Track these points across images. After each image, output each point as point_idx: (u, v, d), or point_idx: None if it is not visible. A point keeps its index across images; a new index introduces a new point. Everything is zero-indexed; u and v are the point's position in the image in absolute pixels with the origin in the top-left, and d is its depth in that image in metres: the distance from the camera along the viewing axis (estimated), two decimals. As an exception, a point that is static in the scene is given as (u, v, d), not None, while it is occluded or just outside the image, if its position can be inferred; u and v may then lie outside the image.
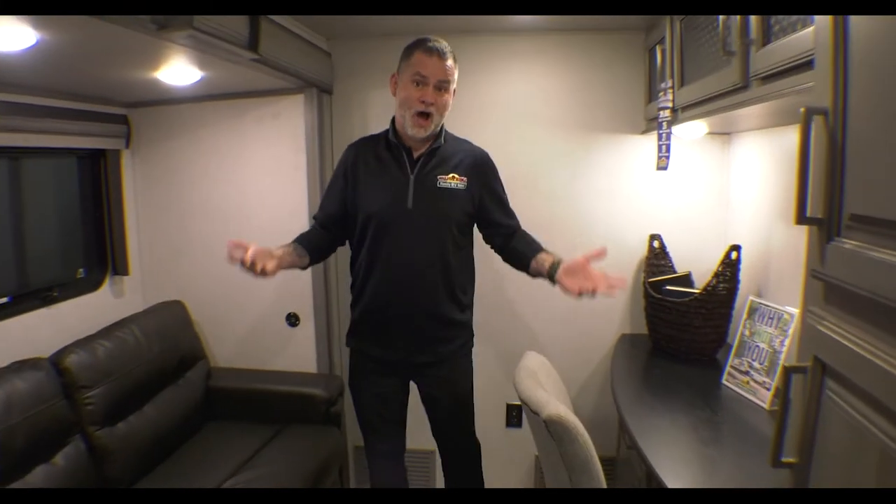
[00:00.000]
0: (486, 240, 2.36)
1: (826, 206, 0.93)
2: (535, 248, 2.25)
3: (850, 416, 0.88)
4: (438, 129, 2.19)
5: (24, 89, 2.39)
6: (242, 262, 1.88)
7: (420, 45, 2.09)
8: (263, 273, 1.91)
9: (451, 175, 2.17)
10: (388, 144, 2.22)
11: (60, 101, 2.59)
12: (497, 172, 2.31)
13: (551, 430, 1.59)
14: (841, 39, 0.90)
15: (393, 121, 2.24)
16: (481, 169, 2.24)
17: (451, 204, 2.18)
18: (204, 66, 2.26)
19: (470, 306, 2.35)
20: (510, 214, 2.34)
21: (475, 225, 2.31)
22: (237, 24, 1.98)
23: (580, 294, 1.96)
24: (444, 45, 2.09)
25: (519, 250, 2.27)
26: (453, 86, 2.15)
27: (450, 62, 2.09)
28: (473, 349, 2.39)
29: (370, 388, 2.29)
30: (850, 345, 0.87)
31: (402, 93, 2.12)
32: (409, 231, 2.13)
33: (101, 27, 1.56)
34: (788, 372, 1.01)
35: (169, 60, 2.13)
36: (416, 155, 2.19)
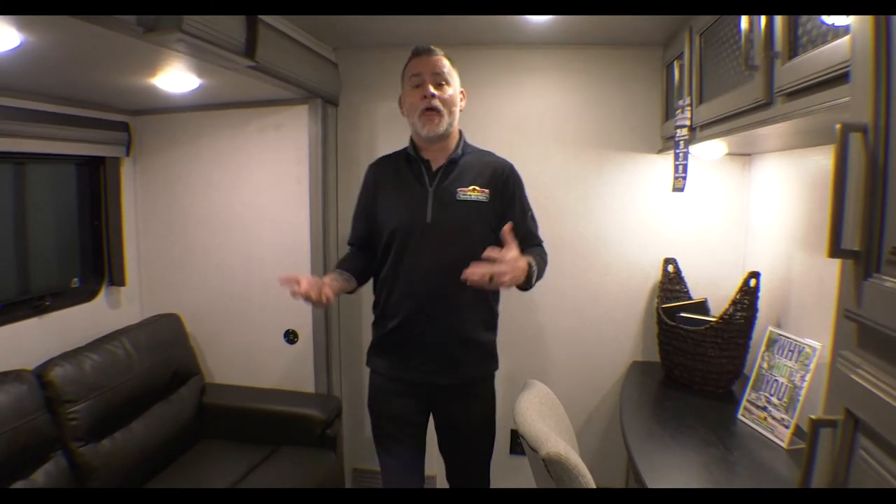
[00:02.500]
0: None
1: (864, 236, 0.82)
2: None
3: (887, 483, 0.76)
4: (456, 136, 2.15)
5: (20, 93, 2.34)
6: (302, 295, 1.87)
7: (411, 54, 2.11)
8: (327, 301, 1.91)
9: (471, 187, 2.07)
10: (407, 158, 2.16)
11: (61, 107, 2.54)
12: (522, 184, 2.19)
13: (550, 470, 1.47)
14: (883, 48, 0.79)
15: (411, 138, 2.18)
16: (504, 180, 2.12)
17: (473, 217, 2.06)
18: (201, 72, 2.19)
19: (494, 328, 2.22)
20: (532, 232, 2.21)
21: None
22: (232, 28, 1.90)
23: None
24: (431, 46, 2.09)
25: None
26: (456, 84, 2.10)
27: (440, 58, 2.06)
28: None
29: (386, 410, 2.18)
30: (889, 399, 0.75)
31: (406, 102, 2.10)
32: (430, 246, 2.04)
33: (86, 29, 1.51)
34: (816, 425, 0.88)
35: (163, 66, 2.06)
36: (434, 167, 2.11)
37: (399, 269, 2.09)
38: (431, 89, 2.02)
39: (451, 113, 2.06)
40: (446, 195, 2.07)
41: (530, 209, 2.22)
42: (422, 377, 2.10)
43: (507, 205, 2.12)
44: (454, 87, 2.08)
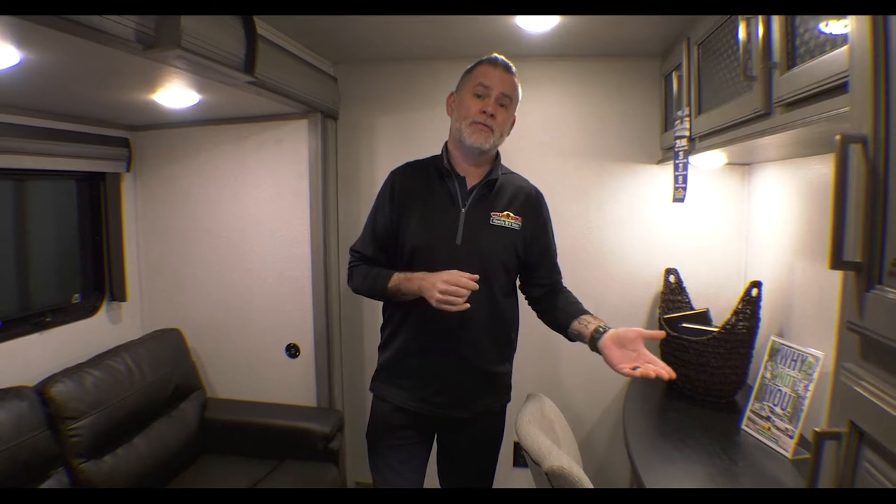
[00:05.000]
0: (523, 288, 2.13)
1: (865, 248, 0.81)
2: (578, 308, 1.98)
3: (894, 495, 0.75)
4: (495, 155, 2.01)
5: (20, 110, 2.35)
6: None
7: (485, 59, 1.95)
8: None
9: (505, 212, 1.95)
10: (439, 171, 1.99)
11: (62, 123, 2.56)
12: (550, 215, 2.09)
13: (553, 483, 1.47)
14: (882, 57, 0.79)
15: (445, 147, 2.03)
16: (536, 209, 2.02)
17: (503, 245, 1.95)
18: (201, 88, 2.20)
19: (511, 358, 2.11)
20: (556, 266, 2.12)
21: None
22: (231, 45, 1.91)
23: (628, 373, 1.71)
24: (509, 62, 1.94)
25: (559, 307, 2.01)
26: (514, 108, 1.98)
27: (514, 78, 1.93)
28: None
29: (389, 440, 2.03)
30: (893, 411, 0.74)
31: (461, 106, 1.93)
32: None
33: (85, 46, 1.51)
34: (820, 438, 0.88)
35: (163, 82, 2.06)
36: (469, 185, 1.97)
37: None
38: (491, 108, 1.89)
39: (500, 134, 1.94)
40: (479, 218, 1.94)
41: (554, 241, 2.12)
42: (431, 409, 1.97)
43: (536, 235, 2.02)
44: (512, 112, 1.97)
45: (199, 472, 2.74)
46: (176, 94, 2.25)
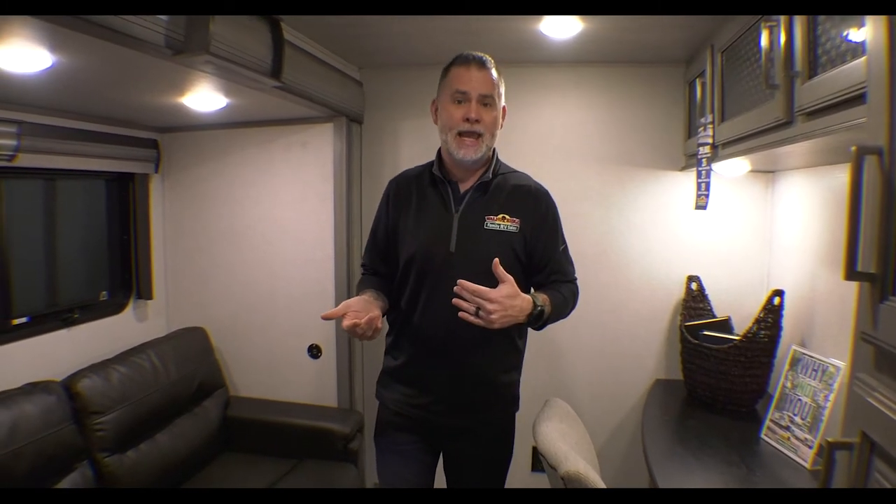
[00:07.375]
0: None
1: (880, 259, 0.81)
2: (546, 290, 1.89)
3: (904, 507, 0.75)
4: (490, 157, 1.91)
5: (51, 111, 2.41)
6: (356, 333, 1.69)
7: (456, 59, 1.85)
8: (376, 332, 1.73)
9: (500, 215, 1.85)
10: (431, 178, 1.92)
11: (92, 125, 2.61)
12: (557, 215, 1.96)
13: (569, 488, 1.47)
14: (898, 70, 0.79)
15: (438, 153, 1.94)
16: (536, 209, 1.90)
17: (499, 249, 1.80)
18: (229, 92, 2.24)
19: (517, 368, 2.02)
20: (564, 268, 1.98)
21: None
22: (258, 50, 1.95)
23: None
24: (483, 55, 1.83)
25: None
26: (500, 102, 1.87)
27: (492, 73, 1.82)
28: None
29: (392, 446, 1.99)
30: (905, 423, 0.74)
31: (443, 115, 1.85)
32: (452, 278, 1.69)
33: (115, 51, 1.55)
34: (832, 448, 0.88)
35: (192, 86, 2.11)
36: (462, 190, 1.89)
37: (416, 299, 1.88)
38: (474, 114, 1.79)
39: (491, 136, 1.84)
40: (473, 223, 1.85)
41: (564, 242, 1.99)
42: (431, 416, 1.92)
43: (537, 236, 1.89)
44: (499, 108, 1.86)
45: (219, 468, 2.77)
46: (204, 97, 2.29)
